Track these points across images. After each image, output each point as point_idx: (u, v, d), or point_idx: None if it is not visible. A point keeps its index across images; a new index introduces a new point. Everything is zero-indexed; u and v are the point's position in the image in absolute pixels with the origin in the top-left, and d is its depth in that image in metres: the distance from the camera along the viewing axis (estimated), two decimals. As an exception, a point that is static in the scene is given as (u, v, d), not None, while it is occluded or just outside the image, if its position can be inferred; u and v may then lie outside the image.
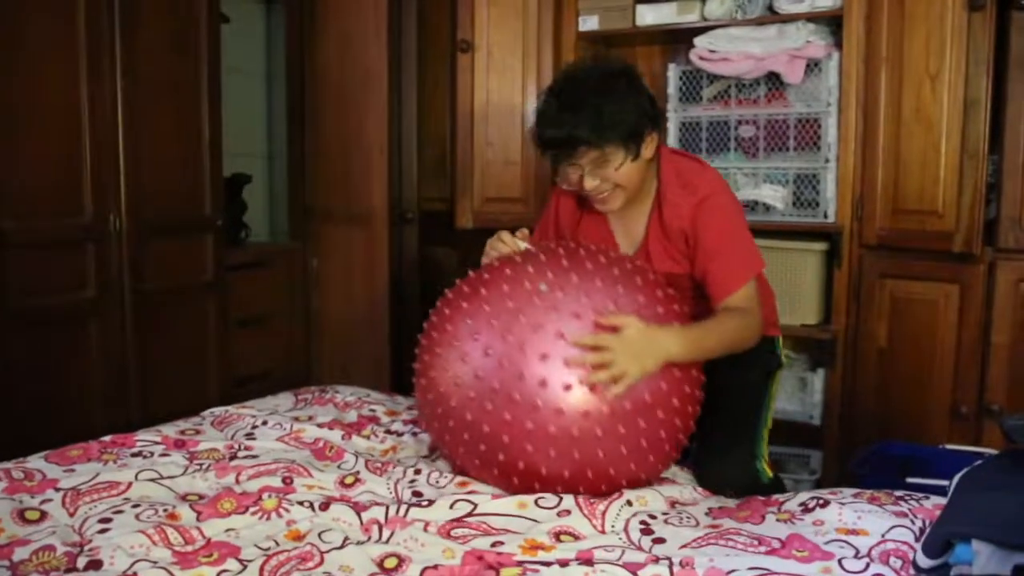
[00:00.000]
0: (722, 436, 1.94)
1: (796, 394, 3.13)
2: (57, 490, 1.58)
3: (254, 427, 2.00)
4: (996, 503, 1.19)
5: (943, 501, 1.47)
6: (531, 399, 1.56)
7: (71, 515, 1.50)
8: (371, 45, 3.62)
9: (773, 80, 3.07)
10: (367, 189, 3.67)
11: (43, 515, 1.49)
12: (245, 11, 3.94)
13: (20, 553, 1.33)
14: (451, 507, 1.55)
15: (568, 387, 1.57)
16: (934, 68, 2.68)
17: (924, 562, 1.24)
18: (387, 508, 1.55)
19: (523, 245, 1.84)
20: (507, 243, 1.85)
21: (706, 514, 1.57)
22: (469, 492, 1.63)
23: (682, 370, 1.70)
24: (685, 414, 1.71)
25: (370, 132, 3.64)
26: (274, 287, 3.82)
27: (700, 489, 1.78)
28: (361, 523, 1.51)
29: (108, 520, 1.46)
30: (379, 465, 1.76)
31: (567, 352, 1.59)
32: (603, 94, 1.81)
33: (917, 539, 1.38)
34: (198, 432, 1.98)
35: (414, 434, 2.01)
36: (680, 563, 1.34)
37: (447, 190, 3.80)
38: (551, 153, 1.87)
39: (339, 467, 1.76)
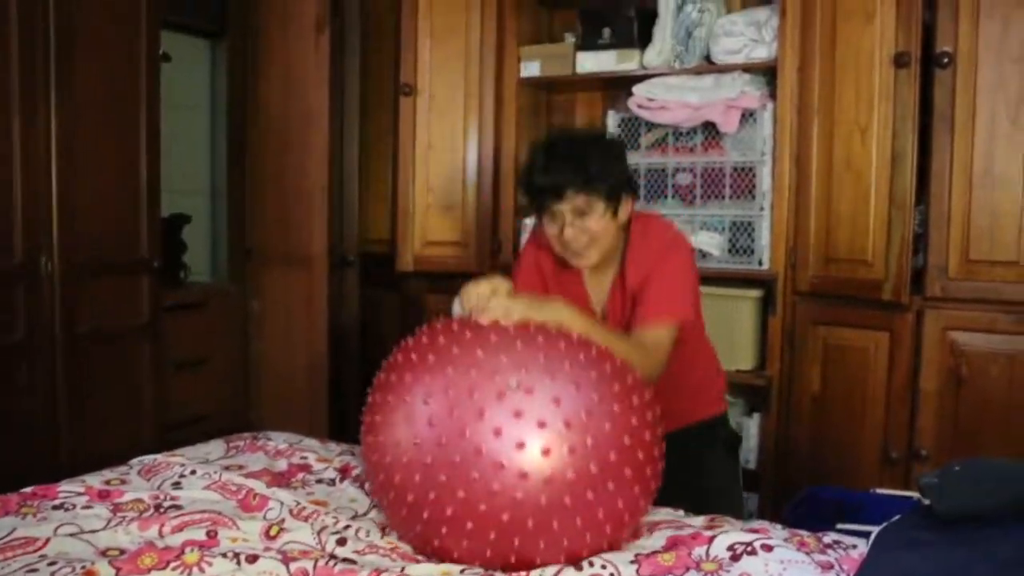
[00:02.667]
0: None
1: (733, 438, 3.16)
2: (-31, 548, 1.53)
3: (182, 476, 1.96)
4: (910, 561, 1.22)
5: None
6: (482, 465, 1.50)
7: (-18, 574, 1.46)
8: (313, 85, 3.63)
9: (709, 129, 3.14)
10: (307, 231, 3.66)
11: (-48, 576, 1.45)
12: (189, 46, 3.94)
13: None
14: (376, 570, 1.53)
15: (521, 445, 1.50)
16: (863, 121, 2.76)
17: (841, 617, 1.25)
18: (315, 561, 1.53)
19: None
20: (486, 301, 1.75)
21: (631, 562, 1.57)
22: (392, 549, 1.62)
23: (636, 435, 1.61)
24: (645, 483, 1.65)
25: (311, 173, 3.64)
26: (213, 329, 3.78)
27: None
28: (289, 575, 1.49)
29: (21, 579, 1.42)
30: (305, 512, 1.74)
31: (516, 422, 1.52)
32: (593, 150, 1.95)
33: (838, 591, 1.40)
34: (124, 482, 1.93)
35: (343, 482, 1.99)
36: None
37: (388, 233, 3.80)
38: (537, 201, 1.97)
39: (264, 517, 1.74)
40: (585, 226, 1.93)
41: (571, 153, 1.93)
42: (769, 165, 3.01)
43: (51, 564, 1.47)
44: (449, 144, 3.52)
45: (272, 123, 3.80)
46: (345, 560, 1.56)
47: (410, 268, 3.53)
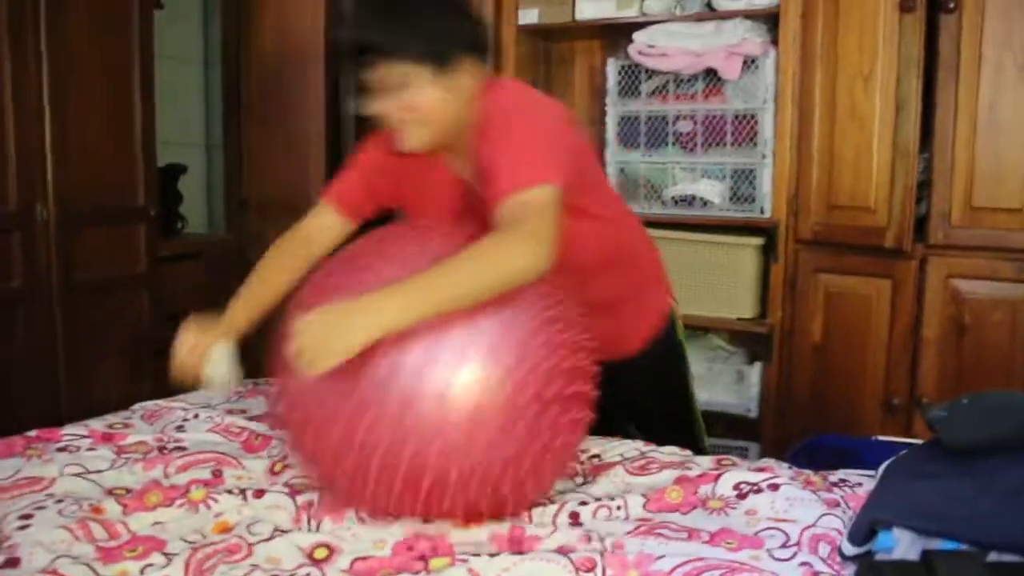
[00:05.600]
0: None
1: (733, 387, 3.16)
2: (-25, 487, 1.53)
3: (185, 420, 1.96)
4: (917, 492, 1.22)
5: (873, 489, 1.49)
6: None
7: (-10, 511, 1.46)
8: (308, 27, 3.56)
9: (711, 76, 3.10)
10: (304, 181, 3.62)
11: (-40, 513, 1.44)
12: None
13: (-66, 550, 1.29)
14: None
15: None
16: (867, 68, 2.72)
17: (849, 550, 1.26)
18: (321, 492, 1.53)
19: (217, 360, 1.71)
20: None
21: (641, 495, 1.56)
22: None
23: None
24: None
25: (308, 116, 3.58)
26: (209, 279, 3.75)
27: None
28: (296, 507, 1.49)
29: (29, 516, 1.42)
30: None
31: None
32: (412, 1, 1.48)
33: (846, 526, 1.40)
34: (127, 426, 1.93)
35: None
36: (612, 546, 1.34)
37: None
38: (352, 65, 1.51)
39: (267, 455, 1.74)
40: (403, 100, 1.48)
41: (383, 3, 1.48)
42: (771, 112, 2.98)
43: (58, 502, 1.47)
44: (448, 91, 3.47)
45: (267, 70, 3.73)
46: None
47: (407, 216, 3.50)
